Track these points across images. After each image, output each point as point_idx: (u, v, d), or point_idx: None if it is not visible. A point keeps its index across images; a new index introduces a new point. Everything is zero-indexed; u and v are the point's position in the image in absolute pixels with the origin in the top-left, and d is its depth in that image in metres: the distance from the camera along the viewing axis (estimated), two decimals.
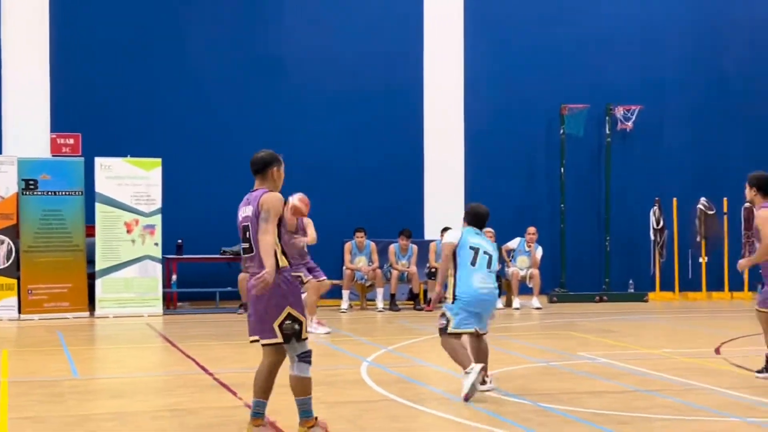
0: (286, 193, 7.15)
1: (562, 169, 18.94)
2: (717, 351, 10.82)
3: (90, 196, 15.88)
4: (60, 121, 16.85)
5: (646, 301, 18.43)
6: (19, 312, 15.36)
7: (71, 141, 16.08)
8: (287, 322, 6.73)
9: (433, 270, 16.86)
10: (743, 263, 9.03)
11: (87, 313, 15.73)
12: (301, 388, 6.85)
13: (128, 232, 15.95)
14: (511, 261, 17.67)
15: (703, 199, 18.81)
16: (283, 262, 6.75)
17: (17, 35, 17.05)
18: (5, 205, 15.45)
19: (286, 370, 7.01)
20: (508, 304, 17.44)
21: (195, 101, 17.91)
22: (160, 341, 13.11)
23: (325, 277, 13.38)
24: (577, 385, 9.39)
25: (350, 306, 16.93)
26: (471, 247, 8.92)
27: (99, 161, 15.95)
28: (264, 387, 6.94)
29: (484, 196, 17.11)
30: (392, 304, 16.82)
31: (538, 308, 17.10)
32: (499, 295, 17.35)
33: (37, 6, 17.13)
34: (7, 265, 15.42)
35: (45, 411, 8.14)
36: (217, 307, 16.77)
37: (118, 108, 17.51)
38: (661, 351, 11.54)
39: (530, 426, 7.53)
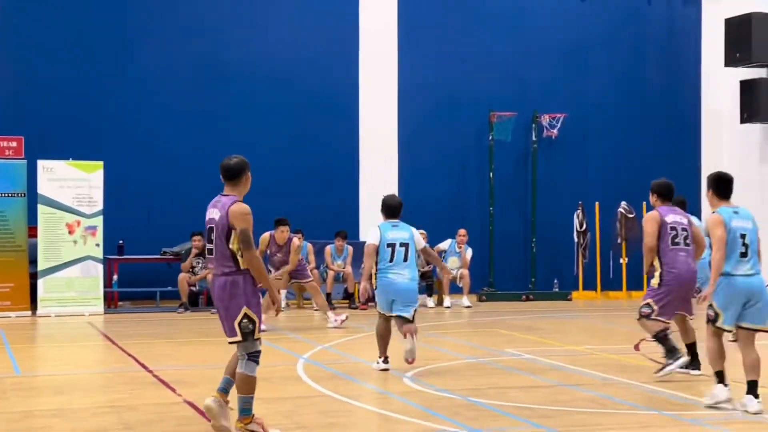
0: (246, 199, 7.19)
1: (491, 174, 19.11)
2: (636, 347, 10.97)
3: (32, 198, 15.66)
4: (2, 125, 16.57)
5: (570, 299, 18.66)
6: None
7: (14, 144, 15.83)
8: (244, 321, 6.82)
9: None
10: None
11: (29, 312, 15.50)
12: (247, 386, 6.89)
13: (70, 233, 15.76)
14: (442, 261, 17.76)
15: (623, 203, 19.10)
16: (243, 264, 6.84)
17: None
18: None
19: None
20: (440, 302, 17.55)
21: (137, 105, 17.74)
22: (101, 339, 12.97)
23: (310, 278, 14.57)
24: (504, 380, 9.49)
25: (287, 305, 16.90)
26: (388, 245, 9.87)
27: (41, 164, 15.74)
28: (232, 369, 7.02)
29: (417, 199, 17.28)
30: (329, 302, 16.79)
31: (468, 307, 17.23)
32: (431, 294, 17.61)
33: None
34: None
35: None
36: (158, 306, 16.63)
37: (60, 111, 17.27)
38: (584, 347, 11.71)
39: (460, 420, 7.60)
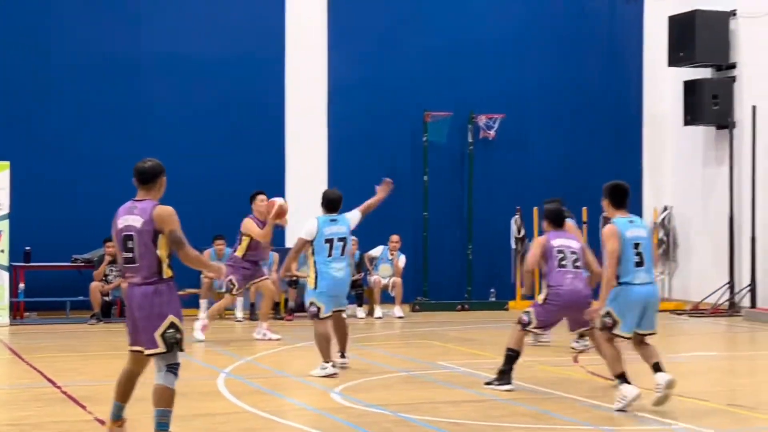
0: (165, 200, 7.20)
1: (426, 177, 19.18)
2: (575, 360, 11.11)
3: None
4: None
5: (507, 309, 18.78)
6: None
7: None
8: (170, 330, 6.85)
9: (294, 279, 16.85)
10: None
11: None
12: (165, 399, 6.89)
13: None
14: (373, 269, 17.79)
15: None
16: (167, 273, 6.93)
17: None
18: None
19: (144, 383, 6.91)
20: (370, 313, 17.55)
21: (46, 104, 17.47)
22: (6, 353, 12.73)
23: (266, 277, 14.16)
24: (437, 395, 9.53)
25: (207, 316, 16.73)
26: (326, 240, 10.57)
27: None
28: (125, 391, 7.11)
29: (348, 203, 17.16)
30: (252, 313, 16.72)
31: (400, 317, 17.26)
32: (361, 304, 17.61)
33: None
34: None
35: None
36: (68, 317, 16.38)
37: None
38: (521, 360, 11.78)
39: None
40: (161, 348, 6.83)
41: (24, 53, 17.41)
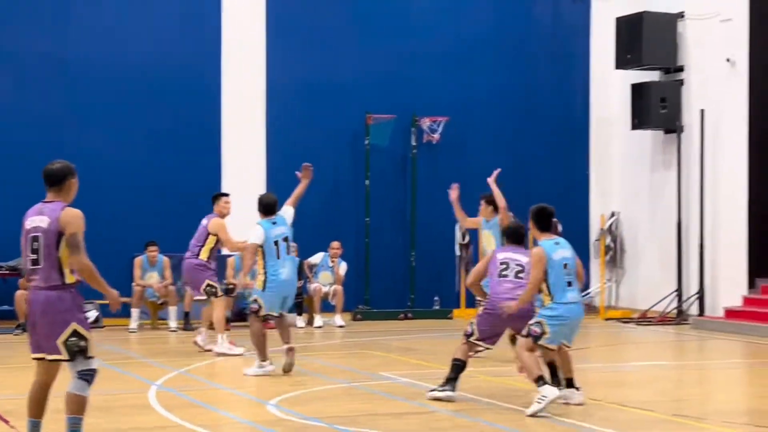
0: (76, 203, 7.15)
1: (368, 182, 19.18)
2: (520, 370, 11.15)
3: None
4: None
5: (451, 318, 18.85)
6: None
7: None
8: (72, 339, 6.86)
9: (230, 287, 16.74)
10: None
11: None
12: (76, 406, 6.91)
13: None
14: (313, 277, 17.75)
15: (509, 214, 19.36)
16: (70, 278, 6.92)
17: None
18: None
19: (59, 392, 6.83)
20: (310, 322, 17.50)
21: None
22: None
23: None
24: (378, 407, 9.53)
25: (140, 325, 16.61)
26: (274, 242, 11.31)
27: None
28: (38, 406, 7.09)
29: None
30: (186, 323, 16.60)
31: (341, 326, 17.24)
32: (300, 313, 17.55)
33: None
34: None
35: None
36: None
37: None
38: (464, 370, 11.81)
39: None
40: (64, 356, 6.87)
41: None
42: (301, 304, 17.56)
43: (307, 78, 19.17)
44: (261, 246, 11.34)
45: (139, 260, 16.91)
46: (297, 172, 12.58)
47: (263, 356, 11.30)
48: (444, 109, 19.63)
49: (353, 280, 18.62)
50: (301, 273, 17.77)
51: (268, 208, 11.67)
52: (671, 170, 18.92)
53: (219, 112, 18.71)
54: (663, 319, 18.18)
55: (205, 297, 13.74)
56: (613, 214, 20.35)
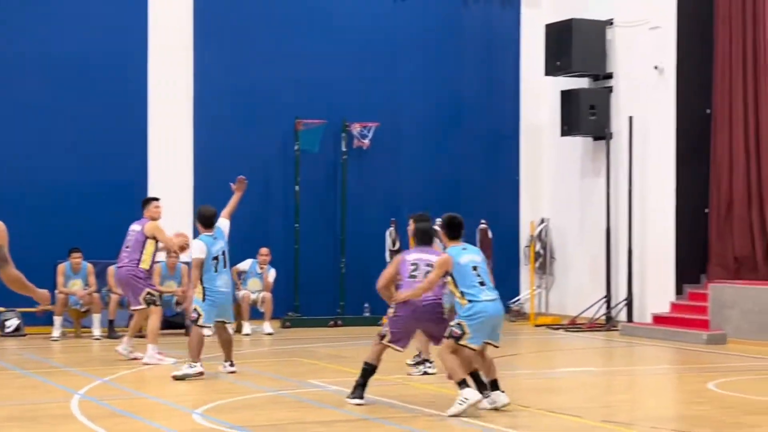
0: None
1: (297, 187, 19.11)
2: (449, 377, 11.17)
3: None
4: None
5: (382, 325, 18.79)
6: None
7: None
8: None
9: (153, 296, 16.57)
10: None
11: None
12: None
13: None
14: (241, 284, 17.63)
15: (438, 220, 19.41)
16: None
17: None
18: None
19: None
20: (238, 329, 17.35)
21: None
22: None
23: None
24: (306, 415, 9.48)
25: (63, 333, 16.36)
26: (214, 258, 11.79)
27: None
28: None
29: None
30: (111, 331, 16.38)
31: (269, 334, 17.15)
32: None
33: None
34: None
35: None
36: None
37: None
38: (394, 377, 11.82)
39: None
40: None
41: None
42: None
43: (235, 82, 19.05)
44: (204, 260, 11.77)
45: (62, 267, 16.65)
46: (231, 184, 12.78)
47: (195, 358, 11.57)
48: (374, 115, 19.64)
49: (282, 287, 18.53)
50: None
51: (209, 221, 12.04)
52: (600, 177, 19.12)
53: (145, 116, 18.52)
54: (592, 326, 18.35)
55: (144, 306, 13.44)
56: (543, 221, 20.50)
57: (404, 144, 20.22)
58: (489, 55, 20.96)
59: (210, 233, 11.98)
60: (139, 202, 18.52)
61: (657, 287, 18.06)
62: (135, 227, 13.69)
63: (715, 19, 18.06)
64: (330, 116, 19.20)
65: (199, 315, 11.78)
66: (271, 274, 17.79)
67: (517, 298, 20.50)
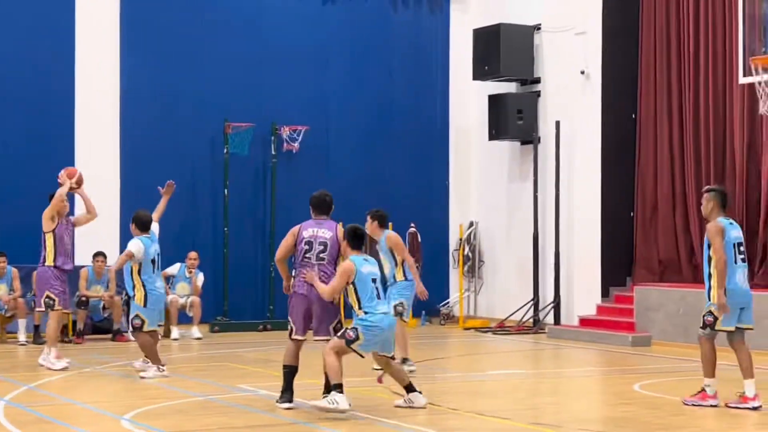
0: None
1: (226, 191, 19.04)
2: (379, 380, 11.24)
3: None
4: None
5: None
6: None
7: None
8: None
9: (83, 299, 16.44)
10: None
11: None
12: None
13: None
14: (170, 288, 17.52)
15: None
16: None
17: None
18: None
19: None
20: (166, 334, 17.22)
21: None
22: None
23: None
24: (235, 420, 9.47)
25: None
26: (151, 260, 12.15)
27: None
28: None
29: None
30: (36, 336, 16.18)
31: (198, 338, 17.06)
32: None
33: None
34: None
35: None
36: None
37: None
38: (323, 381, 11.83)
39: None
40: None
41: None
42: None
43: (163, 85, 18.94)
44: (139, 261, 12.08)
45: None
46: (159, 188, 13.00)
47: (158, 361, 12.12)
48: (304, 118, 19.65)
49: (211, 291, 18.47)
50: None
51: (146, 225, 12.36)
52: (528, 181, 19.34)
53: (72, 118, 18.34)
54: (520, 329, 18.55)
55: (43, 309, 13.37)
56: (471, 224, 20.67)
57: (334, 147, 20.26)
58: (418, 59, 21.08)
59: (147, 236, 12.29)
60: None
61: (583, 290, 18.31)
62: None
63: (640, 25, 18.39)
64: (259, 119, 19.17)
65: (143, 321, 12.11)
66: (200, 279, 17.72)
67: (446, 302, 20.64)
